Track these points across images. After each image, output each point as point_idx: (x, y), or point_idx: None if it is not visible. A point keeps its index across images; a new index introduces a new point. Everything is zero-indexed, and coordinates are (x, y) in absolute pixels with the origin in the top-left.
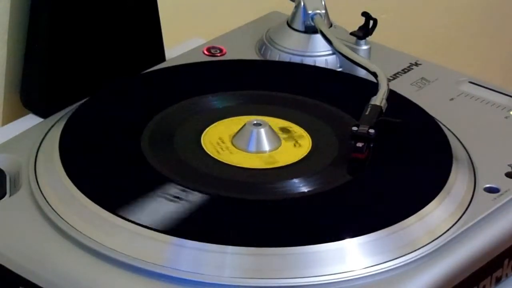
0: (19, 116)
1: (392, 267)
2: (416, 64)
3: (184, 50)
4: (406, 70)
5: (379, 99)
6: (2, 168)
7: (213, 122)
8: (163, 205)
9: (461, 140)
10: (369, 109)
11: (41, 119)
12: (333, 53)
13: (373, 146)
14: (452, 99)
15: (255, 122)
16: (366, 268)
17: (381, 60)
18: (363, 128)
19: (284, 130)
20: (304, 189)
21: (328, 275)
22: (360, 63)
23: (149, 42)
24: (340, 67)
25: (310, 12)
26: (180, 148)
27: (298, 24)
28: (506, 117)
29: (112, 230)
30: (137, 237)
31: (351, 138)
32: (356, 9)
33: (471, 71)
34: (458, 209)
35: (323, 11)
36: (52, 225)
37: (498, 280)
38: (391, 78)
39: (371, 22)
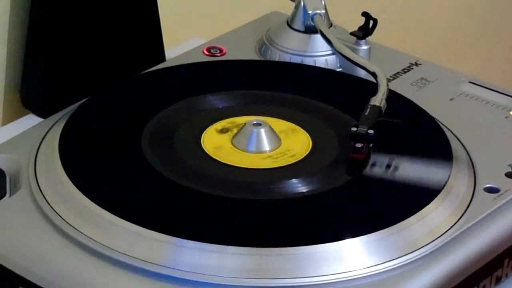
0: (19, 116)
1: (392, 267)
2: (416, 64)
3: (184, 50)
4: (406, 70)
5: (378, 100)
6: (2, 168)
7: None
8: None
9: (461, 140)
10: (368, 110)
11: (41, 119)
12: (333, 53)
13: (373, 146)
14: (452, 99)
15: (255, 122)
16: (366, 268)
17: (381, 60)
18: (362, 129)
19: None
20: (304, 189)
21: (328, 275)
22: (360, 63)
23: (149, 42)
24: (340, 67)
25: (310, 12)
26: (180, 148)
27: (298, 24)
28: (506, 117)
29: (112, 230)
30: (137, 237)
31: (350, 138)
32: (356, 9)
33: (471, 71)
34: (458, 209)
35: (323, 11)
36: (52, 225)
37: (498, 280)
38: (391, 78)
39: (371, 22)
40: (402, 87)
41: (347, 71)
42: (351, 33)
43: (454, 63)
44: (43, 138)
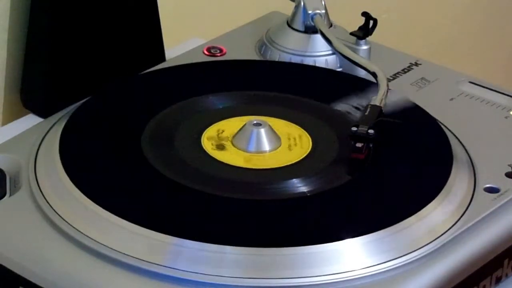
0: (19, 116)
1: (392, 267)
2: (416, 64)
3: (184, 50)
4: (406, 70)
5: (378, 100)
6: (2, 168)
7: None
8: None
9: (461, 140)
10: (368, 110)
11: (41, 119)
12: (333, 53)
13: (373, 146)
14: (452, 99)
15: (255, 122)
16: (366, 268)
17: (381, 60)
18: (363, 129)
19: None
20: (304, 189)
21: (328, 275)
22: (360, 63)
23: (149, 42)
24: (340, 67)
25: (310, 12)
26: (180, 148)
27: (298, 24)
28: (506, 117)
29: (112, 230)
30: (137, 237)
31: (351, 138)
32: (356, 9)
33: (471, 71)
34: (458, 209)
35: (323, 11)
36: (52, 225)
37: (498, 280)
38: (391, 78)
39: (371, 22)
40: (402, 87)
41: (347, 71)
42: (351, 33)
43: (454, 63)
44: (43, 138)
